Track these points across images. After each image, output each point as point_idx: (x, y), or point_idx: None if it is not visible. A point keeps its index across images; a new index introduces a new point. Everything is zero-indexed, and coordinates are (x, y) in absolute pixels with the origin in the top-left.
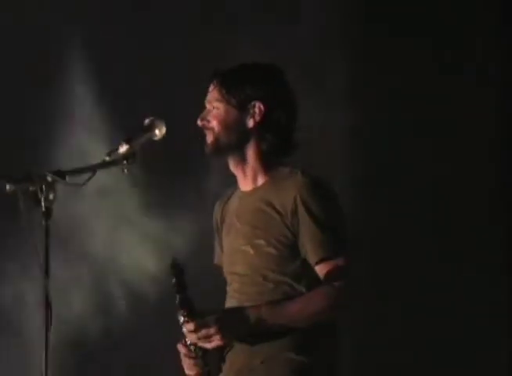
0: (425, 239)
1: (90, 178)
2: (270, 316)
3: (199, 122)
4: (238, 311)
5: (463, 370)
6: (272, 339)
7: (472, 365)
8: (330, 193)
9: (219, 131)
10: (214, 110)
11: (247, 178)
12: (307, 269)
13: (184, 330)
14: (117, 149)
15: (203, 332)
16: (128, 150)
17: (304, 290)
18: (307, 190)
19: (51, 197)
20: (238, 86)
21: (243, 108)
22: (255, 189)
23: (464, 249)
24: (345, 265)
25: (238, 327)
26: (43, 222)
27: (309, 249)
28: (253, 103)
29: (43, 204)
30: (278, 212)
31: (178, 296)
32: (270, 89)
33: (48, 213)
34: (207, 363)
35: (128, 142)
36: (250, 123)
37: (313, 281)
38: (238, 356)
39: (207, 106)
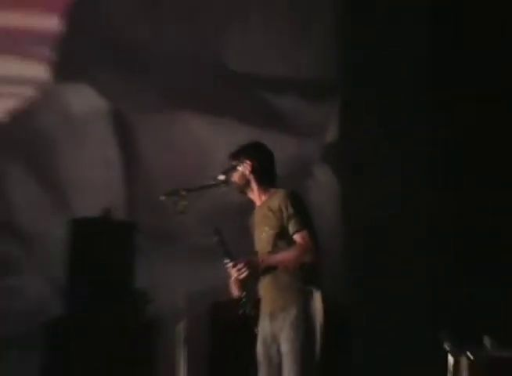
0: None
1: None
2: (269, 261)
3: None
4: (254, 257)
5: None
6: (279, 294)
7: None
8: (299, 198)
9: (238, 183)
10: (235, 174)
11: (256, 198)
12: (287, 237)
13: (228, 268)
14: (218, 176)
15: (238, 267)
16: (224, 178)
17: (286, 246)
18: (285, 198)
19: (183, 203)
20: (239, 156)
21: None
22: (262, 203)
23: None
24: (307, 234)
25: (254, 265)
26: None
27: (289, 227)
28: (245, 163)
29: (180, 206)
30: (273, 212)
31: (222, 249)
32: (250, 154)
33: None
34: (244, 288)
35: (224, 174)
36: (247, 172)
37: (290, 242)
38: (266, 304)
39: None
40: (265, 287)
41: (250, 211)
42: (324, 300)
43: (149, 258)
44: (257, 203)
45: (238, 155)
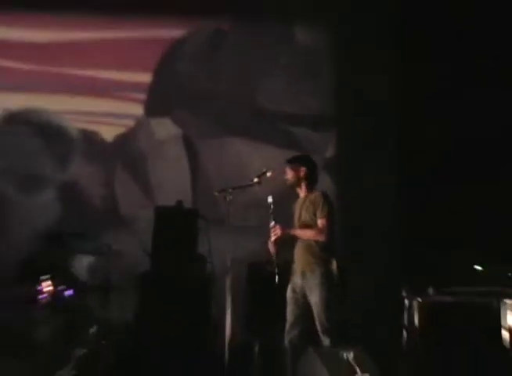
0: None
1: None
2: (294, 232)
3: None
4: (286, 227)
5: None
6: (309, 259)
7: None
8: (328, 198)
9: (291, 181)
10: (290, 173)
11: (302, 192)
12: (314, 220)
13: (271, 229)
14: (254, 179)
15: (274, 228)
16: (257, 180)
17: (314, 226)
18: (319, 196)
19: (230, 197)
20: (295, 162)
21: (298, 170)
22: (304, 197)
23: None
24: (325, 222)
25: (284, 232)
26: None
27: (317, 214)
28: (301, 168)
29: (228, 199)
30: (311, 203)
31: (271, 214)
32: (306, 163)
33: (230, 204)
34: (277, 250)
35: (258, 177)
36: (301, 175)
37: (317, 225)
38: (299, 265)
39: (288, 170)
40: (299, 253)
41: (275, 204)
42: (338, 266)
43: (206, 234)
44: (301, 195)
45: (294, 161)
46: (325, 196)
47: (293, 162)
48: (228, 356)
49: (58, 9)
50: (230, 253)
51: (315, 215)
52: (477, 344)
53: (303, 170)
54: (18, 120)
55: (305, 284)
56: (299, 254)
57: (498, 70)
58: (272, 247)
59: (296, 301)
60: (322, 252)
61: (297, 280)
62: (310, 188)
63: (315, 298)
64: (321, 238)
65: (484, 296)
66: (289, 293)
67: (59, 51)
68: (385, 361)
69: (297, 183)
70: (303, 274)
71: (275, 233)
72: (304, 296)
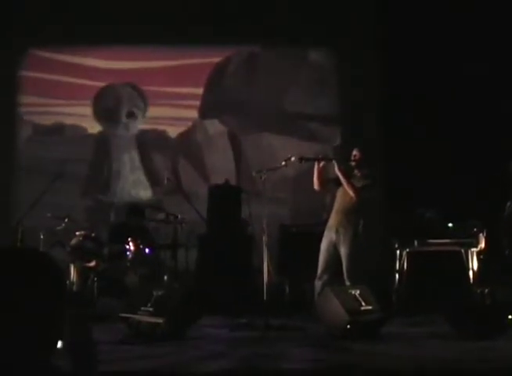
0: None
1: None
2: (345, 174)
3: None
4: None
5: None
6: (344, 219)
7: None
8: (372, 174)
9: (358, 159)
10: (358, 154)
11: (355, 170)
12: (356, 185)
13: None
14: (282, 162)
15: (339, 166)
16: (284, 164)
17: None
18: (363, 176)
19: (264, 176)
20: (356, 150)
21: (361, 153)
22: (355, 173)
23: None
24: (360, 189)
25: (342, 168)
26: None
27: (361, 183)
28: (361, 153)
29: (263, 178)
30: (358, 177)
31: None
32: (362, 151)
33: (264, 181)
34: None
35: (284, 162)
36: (358, 158)
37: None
38: (334, 221)
39: (356, 152)
40: (336, 211)
41: (298, 181)
42: (363, 227)
43: (247, 204)
44: (355, 173)
45: (356, 149)
46: (371, 177)
47: (355, 150)
48: (265, 293)
49: (135, 44)
50: (265, 217)
51: (357, 183)
52: (450, 281)
53: (361, 155)
54: None
55: (338, 239)
56: (336, 212)
57: None
58: (317, 168)
59: (328, 252)
60: (354, 215)
61: (331, 235)
62: (360, 167)
63: (344, 251)
64: (354, 194)
65: (455, 246)
66: (323, 245)
67: (134, 74)
68: (383, 296)
69: (359, 161)
70: (337, 230)
71: (339, 167)
72: (336, 248)
